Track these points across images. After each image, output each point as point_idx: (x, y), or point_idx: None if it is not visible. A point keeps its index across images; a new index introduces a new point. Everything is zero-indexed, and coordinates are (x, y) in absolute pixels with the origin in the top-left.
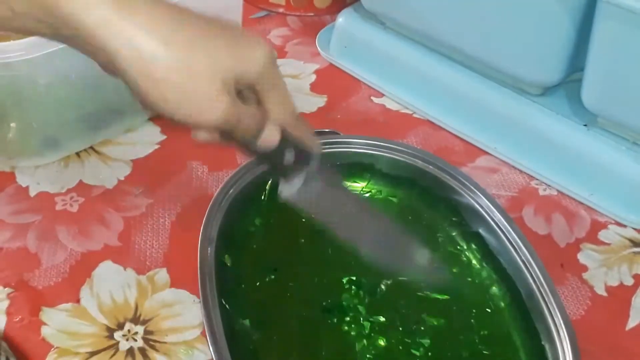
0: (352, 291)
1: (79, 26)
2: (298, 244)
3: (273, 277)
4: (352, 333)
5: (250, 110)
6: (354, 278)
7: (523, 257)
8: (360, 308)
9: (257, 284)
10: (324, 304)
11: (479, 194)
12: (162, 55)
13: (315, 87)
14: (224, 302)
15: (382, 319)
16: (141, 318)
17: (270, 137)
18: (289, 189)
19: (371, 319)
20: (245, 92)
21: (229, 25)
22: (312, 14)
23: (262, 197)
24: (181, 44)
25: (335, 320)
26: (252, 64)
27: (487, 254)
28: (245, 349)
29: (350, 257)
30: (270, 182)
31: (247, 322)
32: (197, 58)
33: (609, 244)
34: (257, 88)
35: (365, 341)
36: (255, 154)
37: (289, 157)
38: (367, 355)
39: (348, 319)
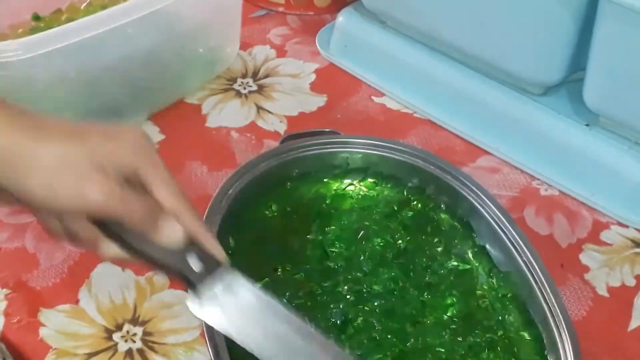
0: (351, 298)
1: None
2: (298, 246)
3: (273, 277)
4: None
5: (139, 197)
6: (354, 285)
7: (524, 258)
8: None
9: (257, 284)
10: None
11: (480, 194)
12: (31, 149)
13: (315, 87)
14: None
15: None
16: (140, 319)
17: (171, 232)
18: (198, 304)
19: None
20: (135, 185)
21: (100, 123)
22: (312, 13)
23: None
24: (49, 138)
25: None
26: (126, 146)
27: (488, 254)
28: (244, 351)
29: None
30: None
31: None
32: (69, 148)
33: (610, 245)
34: (140, 174)
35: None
36: (155, 258)
37: (194, 262)
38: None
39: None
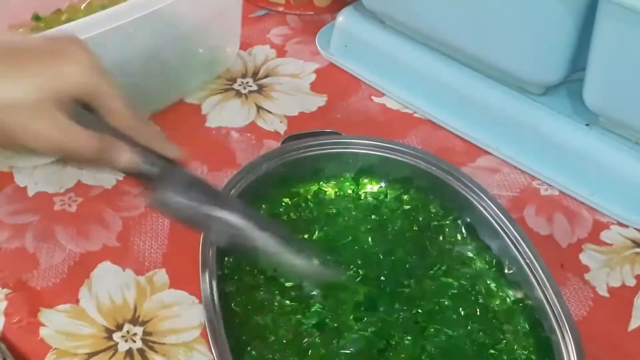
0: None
1: None
2: None
3: (273, 277)
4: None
5: (89, 133)
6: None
7: (526, 258)
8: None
9: (258, 284)
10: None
11: (480, 194)
12: None
13: (315, 87)
14: (224, 304)
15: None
16: (140, 319)
17: (123, 159)
18: (154, 198)
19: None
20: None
21: (40, 44)
22: (312, 13)
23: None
24: None
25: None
26: (71, 76)
27: (489, 255)
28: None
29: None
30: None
31: (247, 323)
32: (13, 85)
33: (611, 245)
34: (90, 99)
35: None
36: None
37: (150, 168)
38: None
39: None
